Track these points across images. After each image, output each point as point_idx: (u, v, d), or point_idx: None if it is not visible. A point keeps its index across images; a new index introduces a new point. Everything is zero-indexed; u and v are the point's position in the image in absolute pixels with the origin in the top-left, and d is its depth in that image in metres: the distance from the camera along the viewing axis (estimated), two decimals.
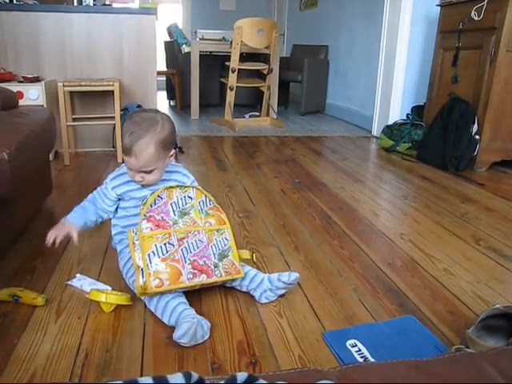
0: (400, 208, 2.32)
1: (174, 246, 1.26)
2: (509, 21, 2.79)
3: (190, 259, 1.26)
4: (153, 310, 1.27)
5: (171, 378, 0.53)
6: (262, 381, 0.55)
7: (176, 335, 1.12)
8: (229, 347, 1.16)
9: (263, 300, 1.36)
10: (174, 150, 1.45)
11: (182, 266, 1.24)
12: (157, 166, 1.38)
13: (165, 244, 1.25)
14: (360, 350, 1.14)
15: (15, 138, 1.53)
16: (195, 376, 0.55)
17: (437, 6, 3.43)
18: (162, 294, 1.24)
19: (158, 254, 1.23)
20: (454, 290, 1.49)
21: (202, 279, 1.26)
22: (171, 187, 1.36)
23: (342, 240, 1.87)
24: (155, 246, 1.24)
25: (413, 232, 1.98)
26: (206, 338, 1.18)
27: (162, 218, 1.29)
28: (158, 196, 1.31)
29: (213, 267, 1.29)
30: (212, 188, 2.50)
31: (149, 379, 0.53)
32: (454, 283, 1.54)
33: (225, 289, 1.42)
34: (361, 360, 1.11)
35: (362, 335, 1.20)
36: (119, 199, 1.48)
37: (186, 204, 1.36)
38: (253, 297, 1.38)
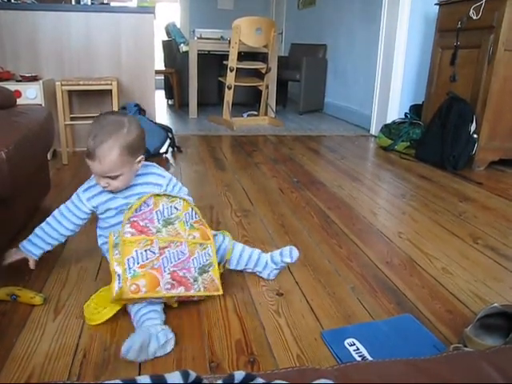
0: (398, 207, 2.32)
1: (155, 253, 1.22)
2: (507, 20, 2.79)
3: (169, 269, 1.23)
4: (130, 314, 1.24)
5: (169, 376, 0.53)
6: (259, 379, 0.55)
7: (122, 352, 1.04)
8: (227, 346, 1.16)
9: (272, 277, 1.48)
10: (142, 156, 1.36)
11: (160, 275, 1.20)
12: (122, 171, 1.30)
13: (145, 250, 1.21)
14: (358, 349, 1.14)
15: (13, 137, 1.52)
16: (193, 375, 0.55)
17: (435, 4, 3.43)
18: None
19: (137, 259, 1.19)
20: (452, 289, 1.49)
21: (180, 291, 1.22)
22: (158, 195, 1.32)
23: (340, 239, 1.87)
24: (136, 251, 1.19)
25: (411, 231, 1.99)
26: (168, 351, 1.12)
27: (146, 224, 1.25)
28: (144, 202, 1.27)
29: (192, 280, 1.26)
30: (210, 187, 2.50)
31: (147, 378, 0.53)
32: (452, 282, 1.54)
33: (223, 288, 1.41)
34: (359, 359, 1.11)
35: (360, 334, 1.20)
36: (95, 211, 1.43)
37: (171, 214, 1.32)
38: (257, 281, 1.45)
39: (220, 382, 0.55)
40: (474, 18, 2.98)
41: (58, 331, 1.20)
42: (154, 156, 3.03)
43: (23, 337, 1.17)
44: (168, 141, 3.23)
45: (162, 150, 3.18)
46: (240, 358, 1.11)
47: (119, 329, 1.22)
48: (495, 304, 1.21)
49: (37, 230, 1.42)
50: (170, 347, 1.12)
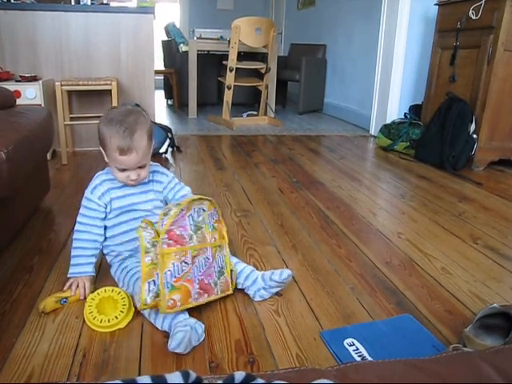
0: (397, 207, 2.32)
1: (188, 264, 1.21)
2: (506, 20, 2.80)
3: (198, 278, 1.24)
4: (146, 316, 1.25)
5: (169, 377, 0.53)
6: (259, 380, 0.55)
7: (171, 346, 1.09)
8: (226, 346, 1.16)
9: (257, 298, 1.37)
10: (153, 142, 1.41)
11: (191, 285, 1.21)
12: (148, 158, 1.36)
13: (181, 263, 1.20)
14: (358, 349, 1.14)
15: (13, 137, 1.52)
16: (193, 375, 0.55)
17: (435, 5, 3.43)
18: None
19: (174, 273, 1.18)
20: (451, 289, 1.49)
21: (205, 299, 1.25)
22: (193, 199, 1.27)
23: (339, 239, 1.87)
24: (173, 264, 1.18)
25: (410, 231, 1.99)
26: (202, 340, 1.17)
27: (181, 232, 1.23)
28: (182, 209, 1.24)
29: (213, 285, 1.28)
30: (210, 187, 2.50)
31: (147, 378, 0.53)
32: (452, 282, 1.54)
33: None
34: (358, 359, 1.11)
35: (360, 334, 1.20)
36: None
37: (199, 217, 1.29)
38: (248, 294, 1.39)
39: (220, 382, 0.55)
40: (474, 18, 2.98)
41: (58, 332, 1.20)
42: (153, 156, 3.00)
43: (23, 337, 1.17)
44: (167, 141, 3.23)
45: (162, 149, 3.18)
46: (239, 358, 1.11)
47: (119, 329, 1.21)
48: (495, 304, 1.21)
49: (73, 252, 1.38)
50: (203, 336, 1.18)
